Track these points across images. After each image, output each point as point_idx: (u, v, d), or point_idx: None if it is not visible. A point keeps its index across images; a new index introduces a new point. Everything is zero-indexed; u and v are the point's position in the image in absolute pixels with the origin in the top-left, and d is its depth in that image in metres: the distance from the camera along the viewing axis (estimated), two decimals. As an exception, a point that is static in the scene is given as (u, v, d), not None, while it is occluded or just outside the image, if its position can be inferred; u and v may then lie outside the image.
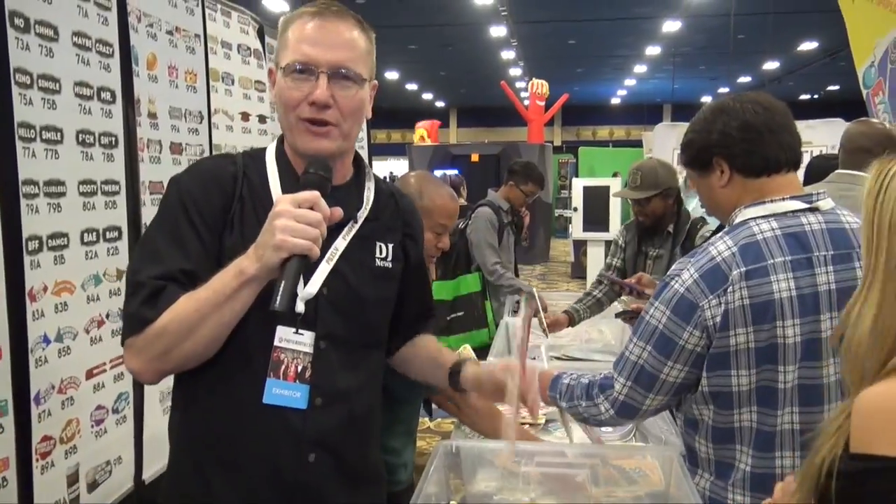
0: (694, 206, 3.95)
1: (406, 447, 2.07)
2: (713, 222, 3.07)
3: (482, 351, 3.03)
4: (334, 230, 1.25)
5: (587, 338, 3.20)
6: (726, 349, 1.42)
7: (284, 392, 1.25)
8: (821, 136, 7.82)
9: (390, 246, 1.39)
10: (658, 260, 3.15)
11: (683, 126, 6.04)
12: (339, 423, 1.31)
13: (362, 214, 1.35)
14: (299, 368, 1.26)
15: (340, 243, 1.28)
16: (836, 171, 2.60)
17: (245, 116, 3.49)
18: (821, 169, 2.96)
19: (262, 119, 3.65)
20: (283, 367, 1.25)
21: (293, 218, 1.11)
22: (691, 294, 1.43)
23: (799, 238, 1.44)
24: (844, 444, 0.85)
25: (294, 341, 1.25)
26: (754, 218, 1.47)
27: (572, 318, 3.11)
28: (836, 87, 24.98)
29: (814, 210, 1.48)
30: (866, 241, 0.93)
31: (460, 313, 3.82)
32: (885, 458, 0.80)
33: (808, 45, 18.18)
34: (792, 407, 1.44)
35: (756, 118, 1.48)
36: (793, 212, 1.47)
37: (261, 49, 3.66)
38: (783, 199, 1.48)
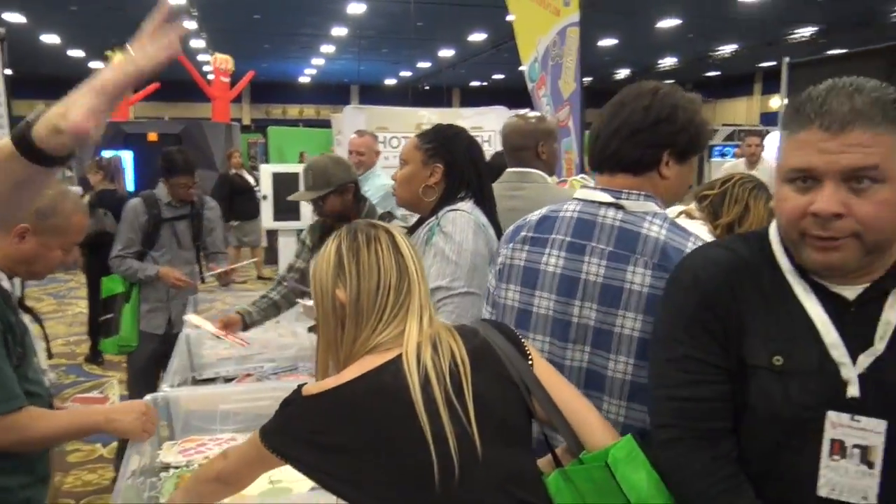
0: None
1: (25, 486, 1.73)
2: (401, 217, 3.02)
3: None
4: None
5: (280, 343, 2.97)
6: (500, 301, 1.62)
7: None
8: (490, 122, 8.62)
9: None
10: None
11: (371, 109, 5.95)
12: None
13: None
14: None
15: None
16: (507, 171, 2.67)
17: None
18: (498, 167, 3.08)
19: None
20: None
21: None
22: (501, 240, 1.72)
23: (588, 225, 1.55)
24: None
25: None
26: (575, 199, 1.61)
27: (244, 320, 2.89)
28: (502, 76, 27.67)
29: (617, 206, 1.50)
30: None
31: (110, 315, 3.71)
32: None
33: (477, 36, 19.76)
34: None
35: (602, 122, 1.57)
36: (598, 202, 1.56)
37: None
38: (599, 188, 1.56)
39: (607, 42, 19.92)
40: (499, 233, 2.12)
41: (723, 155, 13.83)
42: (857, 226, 1.04)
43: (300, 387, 1.24)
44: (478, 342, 1.27)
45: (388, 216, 2.98)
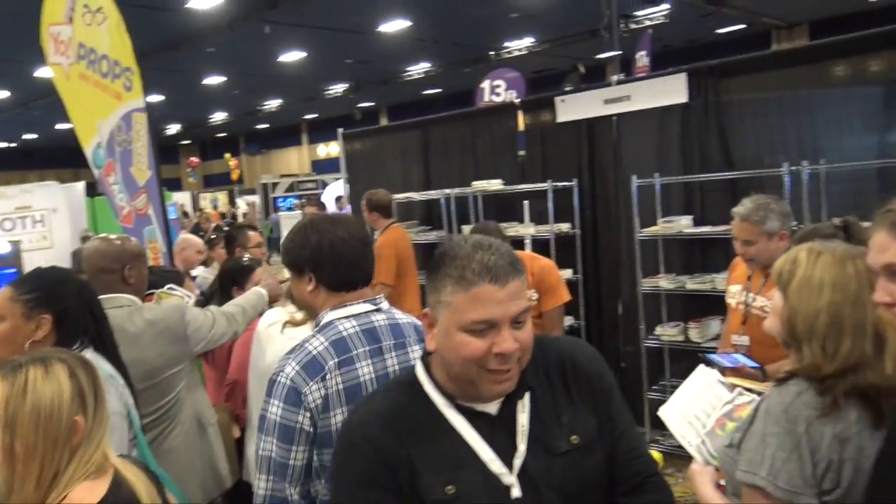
0: None
1: None
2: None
3: None
4: None
5: None
6: (329, 428, 1.65)
7: None
8: (40, 200, 7.70)
9: None
10: None
11: None
12: None
13: None
14: None
15: None
16: None
17: None
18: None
19: None
20: None
21: None
22: (295, 383, 1.66)
23: (372, 332, 1.78)
24: None
25: None
26: (338, 318, 1.77)
27: None
28: (35, 136, 24.66)
29: (378, 310, 1.83)
30: None
31: None
32: None
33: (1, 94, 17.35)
34: None
35: (343, 246, 1.79)
36: (365, 312, 1.80)
37: None
38: (358, 302, 1.81)
39: (154, 98, 19.31)
40: (126, 378, 1.98)
41: (290, 209, 14.55)
42: (522, 352, 1.29)
43: None
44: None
45: None
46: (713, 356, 2.89)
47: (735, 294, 3.17)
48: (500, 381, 1.28)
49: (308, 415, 1.65)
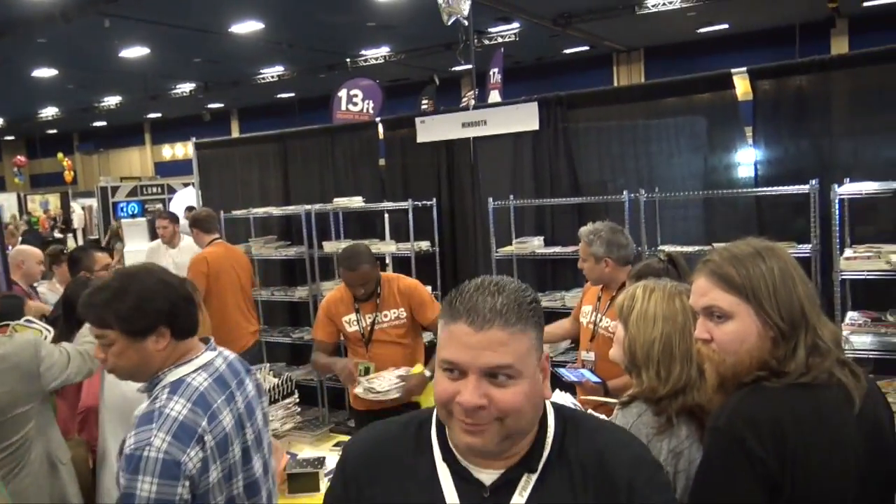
0: None
1: None
2: None
3: None
4: None
5: None
6: (207, 487, 1.65)
7: None
8: None
9: None
10: None
11: None
12: None
13: None
14: None
15: None
16: None
17: None
18: None
19: None
20: None
21: None
22: (171, 454, 1.58)
23: (221, 379, 1.81)
24: None
25: None
26: (187, 374, 1.75)
27: None
28: None
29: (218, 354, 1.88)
30: None
31: None
32: None
33: None
34: None
35: (182, 288, 1.80)
36: (210, 361, 1.82)
37: None
38: (202, 352, 1.82)
39: (-27, 90, 17.56)
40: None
41: (132, 216, 13.68)
42: (498, 413, 1.11)
43: None
44: None
45: None
46: (562, 370, 3.13)
47: (587, 314, 3.44)
48: (468, 431, 1.12)
49: (188, 483, 1.60)
